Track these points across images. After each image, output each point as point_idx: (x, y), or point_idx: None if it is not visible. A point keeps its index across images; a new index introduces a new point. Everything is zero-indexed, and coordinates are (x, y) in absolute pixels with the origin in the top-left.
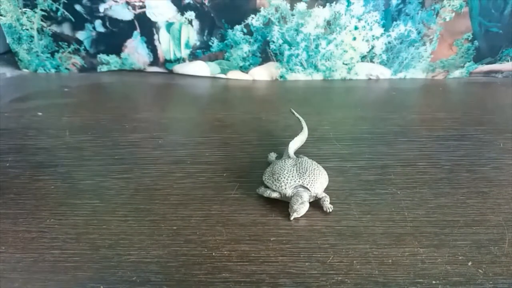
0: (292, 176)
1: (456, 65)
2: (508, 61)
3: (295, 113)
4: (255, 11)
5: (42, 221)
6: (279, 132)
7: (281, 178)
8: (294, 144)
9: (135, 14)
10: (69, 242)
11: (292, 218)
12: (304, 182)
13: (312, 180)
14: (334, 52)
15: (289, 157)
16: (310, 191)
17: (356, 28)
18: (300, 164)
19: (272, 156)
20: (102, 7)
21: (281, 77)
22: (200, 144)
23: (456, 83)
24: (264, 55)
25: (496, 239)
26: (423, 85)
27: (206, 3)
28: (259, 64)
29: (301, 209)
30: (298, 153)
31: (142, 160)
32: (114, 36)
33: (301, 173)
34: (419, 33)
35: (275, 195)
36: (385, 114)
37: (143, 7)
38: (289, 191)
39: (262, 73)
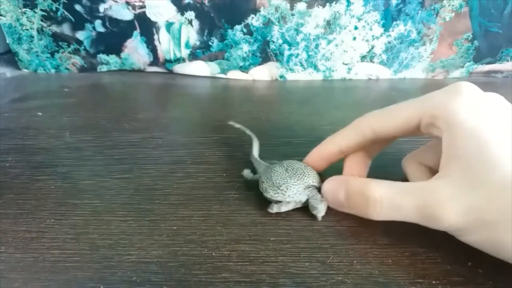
0: (297, 180)
1: (456, 65)
2: (508, 61)
3: (236, 124)
4: (255, 11)
5: (42, 221)
6: (279, 132)
7: (291, 187)
8: (256, 153)
9: (135, 14)
10: (69, 242)
11: (320, 218)
12: (309, 180)
13: (313, 175)
14: (334, 52)
15: (269, 166)
16: (317, 186)
17: (356, 28)
18: (291, 168)
19: (248, 173)
20: (102, 7)
21: (281, 77)
22: (200, 144)
23: None
24: (264, 55)
25: None
26: (423, 85)
27: (206, 3)
28: (259, 64)
29: (324, 206)
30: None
31: (142, 160)
32: (114, 36)
33: (300, 175)
34: (419, 33)
35: (291, 206)
36: None
37: (143, 7)
38: (303, 196)
39: (262, 73)
